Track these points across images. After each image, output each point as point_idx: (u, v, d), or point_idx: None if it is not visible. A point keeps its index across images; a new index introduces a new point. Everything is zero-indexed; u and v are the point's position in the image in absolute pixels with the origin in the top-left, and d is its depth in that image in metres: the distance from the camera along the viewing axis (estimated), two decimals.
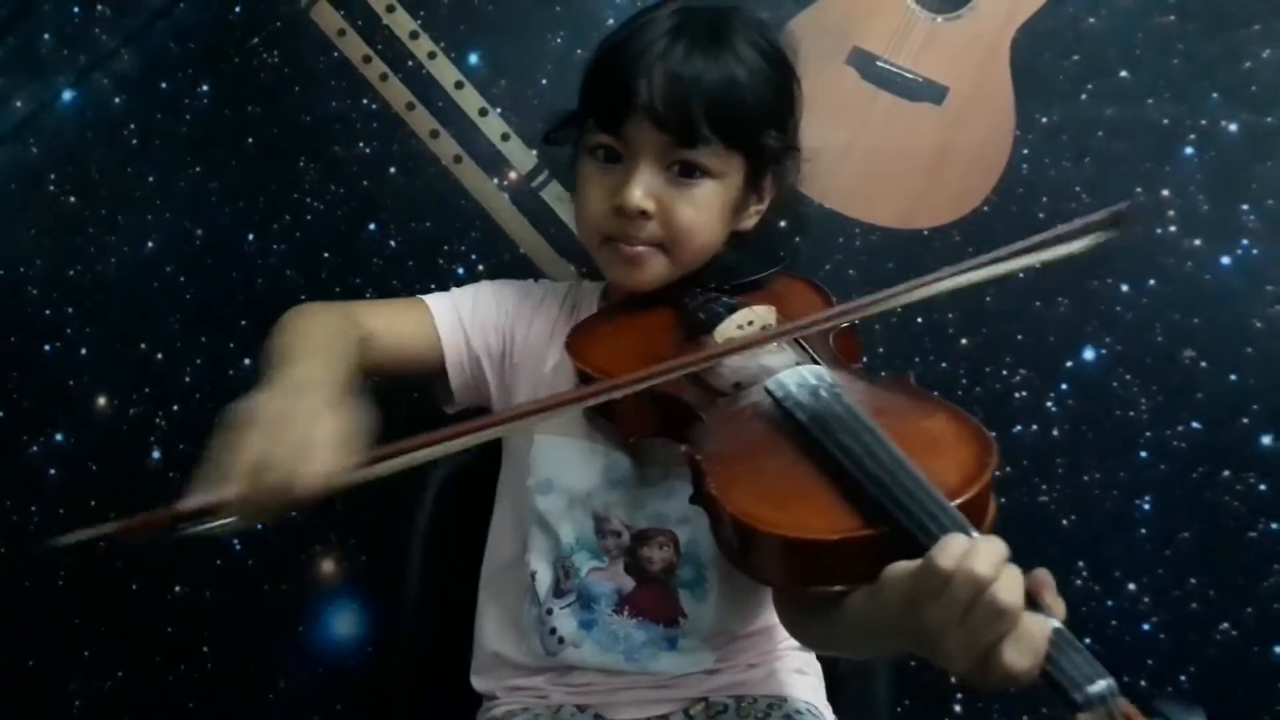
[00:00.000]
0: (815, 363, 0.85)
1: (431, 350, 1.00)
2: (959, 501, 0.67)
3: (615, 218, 0.92)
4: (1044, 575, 0.64)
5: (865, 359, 1.20)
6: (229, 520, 0.69)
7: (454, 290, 1.04)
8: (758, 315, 0.90)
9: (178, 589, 1.28)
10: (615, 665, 0.94)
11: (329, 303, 0.97)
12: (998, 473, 0.71)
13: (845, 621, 0.70)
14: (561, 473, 0.95)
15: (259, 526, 0.70)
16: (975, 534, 0.64)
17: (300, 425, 0.70)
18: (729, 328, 0.89)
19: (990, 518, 0.71)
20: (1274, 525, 1.18)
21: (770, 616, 0.95)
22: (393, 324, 0.98)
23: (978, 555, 0.61)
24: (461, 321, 1.00)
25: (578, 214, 0.98)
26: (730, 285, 0.97)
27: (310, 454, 0.69)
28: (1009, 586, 0.61)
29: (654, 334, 0.94)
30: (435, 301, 1.01)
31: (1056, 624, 0.61)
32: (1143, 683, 1.19)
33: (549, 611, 0.95)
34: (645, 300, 0.97)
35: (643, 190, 0.91)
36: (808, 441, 0.75)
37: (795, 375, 0.81)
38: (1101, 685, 0.58)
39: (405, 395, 1.14)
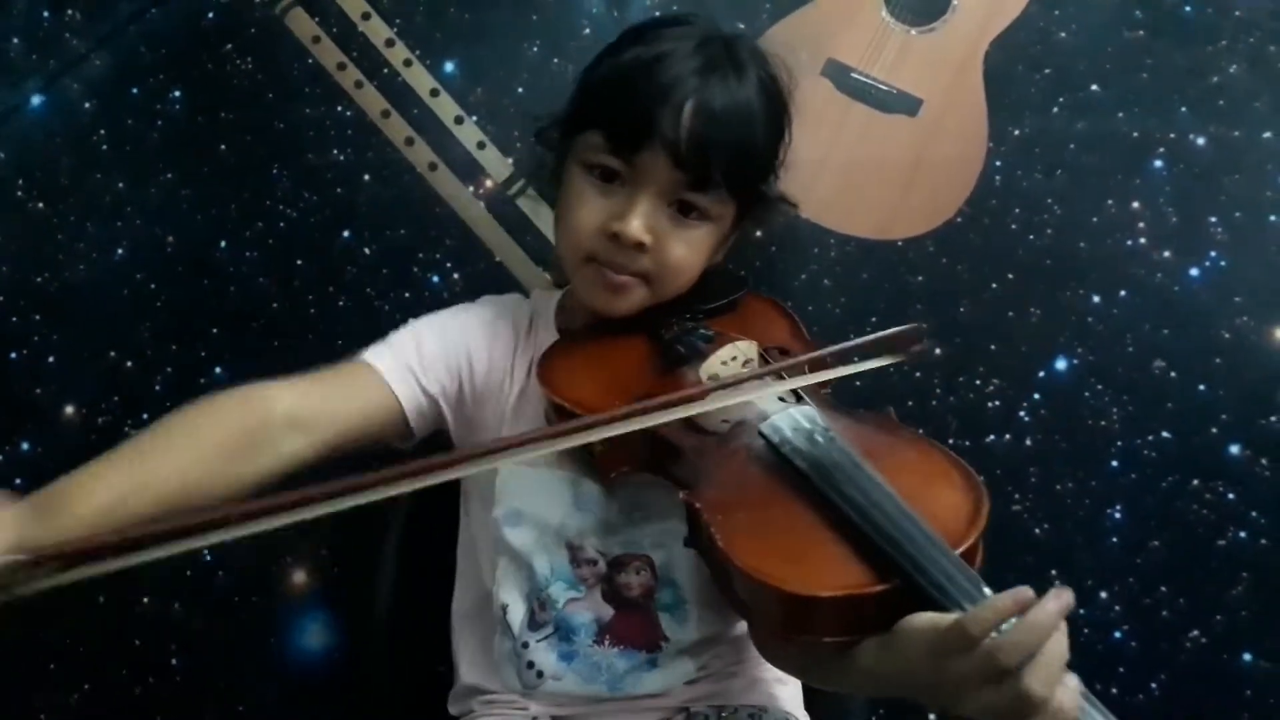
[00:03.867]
0: (801, 400, 0.85)
1: (388, 409, 0.93)
2: (961, 549, 0.68)
3: (606, 241, 0.90)
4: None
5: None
6: None
7: (391, 337, 0.96)
8: (740, 350, 0.89)
9: (145, 601, 1.26)
10: (598, 694, 0.92)
11: (245, 395, 0.86)
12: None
13: (855, 666, 0.69)
14: (530, 503, 0.92)
15: None
16: (988, 589, 0.65)
17: None
18: (714, 364, 0.88)
19: (980, 556, 0.72)
20: (1242, 534, 1.20)
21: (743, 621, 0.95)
22: (330, 399, 0.90)
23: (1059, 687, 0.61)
24: (410, 367, 0.94)
25: (562, 227, 0.95)
26: (702, 310, 0.96)
27: None
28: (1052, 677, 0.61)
29: (631, 365, 0.92)
30: (377, 358, 0.94)
31: (1081, 687, 0.62)
32: (1114, 690, 1.20)
33: (525, 645, 0.92)
34: (616, 326, 0.95)
35: (643, 222, 0.89)
36: (808, 490, 0.74)
37: (789, 419, 0.80)
38: None
39: None
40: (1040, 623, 0.60)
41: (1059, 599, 0.61)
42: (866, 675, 0.69)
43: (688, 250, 0.92)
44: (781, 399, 0.85)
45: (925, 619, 0.64)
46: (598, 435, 0.77)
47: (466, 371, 0.98)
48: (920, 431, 0.85)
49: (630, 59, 0.91)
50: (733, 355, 0.89)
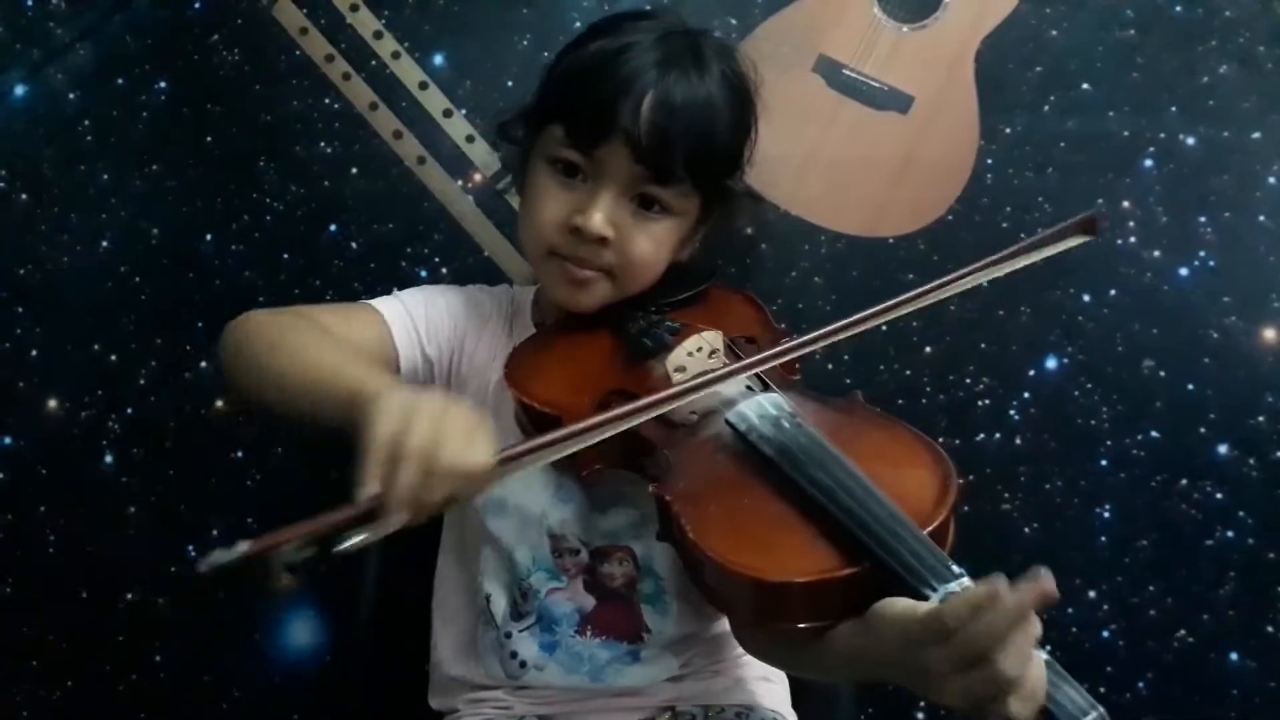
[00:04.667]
0: (767, 387, 0.85)
1: (385, 357, 0.95)
2: (930, 529, 0.68)
3: (569, 236, 0.90)
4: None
5: (830, 366, 1.21)
6: (389, 521, 0.67)
7: (401, 294, 1.00)
8: (706, 340, 0.89)
9: (129, 596, 1.25)
10: (580, 685, 0.93)
11: (288, 311, 0.92)
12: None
13: (831, 651, 0.69)
14: (513, 492, 0.92)
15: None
16: (956, 568, 0.64)
17: (458, 412, 0.69)
18: (680, 355, 0.88)
19: (951, 533, 0.72)
20: (1230, 533, 1.20)
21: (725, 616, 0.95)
22: (348, 332, 0.93)
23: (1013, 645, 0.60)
24: (415, 326, 0.97)
25: (525, 222, 0.95)
26: (667, 303, 0.96)
27: (476, 438, 0.69)
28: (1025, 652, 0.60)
29: (598, 360, 0.92)
30: (386, 306, 0.97)
31: (1046, 657, 0.61)
32: (1102, 689, 1.20)
33: (508, 635, 0.93)
34: (582, 321, 0.95)
35: (605, 216, 0.89)
36: (776, 476, 0.74)
37: (755, 406, 0.80)
38: (1093, 716, 0.59)
39: None
40: (1012, 610, 0.60)
41: (1035, 587, 0.60)
42: (842, 661, 0.69)
43: (651, 244, 0.92)
44: (749, 387, 0.84)
45: (900, 606, 0.64)
46: (569, 450, 0.76)
47: (459, 348, 0.99)
48: (880, 410, 0.85)
49: (591, 52, 0.91)
50: (698, 346, 0.89)
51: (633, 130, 0.86)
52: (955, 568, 0.65)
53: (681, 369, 0.87)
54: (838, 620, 0.68)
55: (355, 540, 0.68)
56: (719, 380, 0.80)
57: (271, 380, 0.85)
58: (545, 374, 0.90)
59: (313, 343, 0.86)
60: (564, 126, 0.90)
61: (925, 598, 0.64)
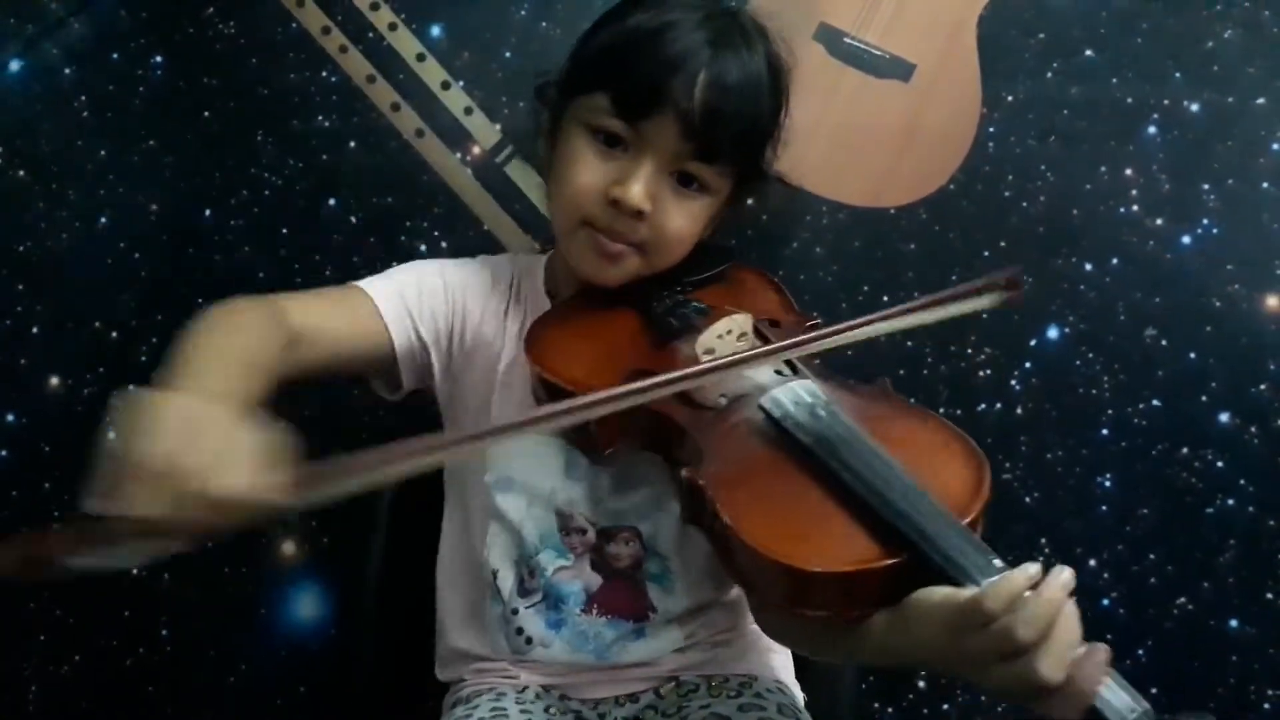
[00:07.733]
0: (797, 372, 0.84)
1: (378, 342, 0.92)
2: (967, 521, 0.68)
3: (606, 207, 0.88)
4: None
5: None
6: (128, 545, 0.60)
7: (393, 272, 0.97)
8: (736, 323, 0.88)
9: (135, 572, 1.26)
10: (586, 662, 0.93)
11: (256, 300, 0.85)
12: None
13: (862, 638, 0.69)
14: (522, 470, 0.92)
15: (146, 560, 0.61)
16: (997, 561, 0.64)
17: (215, 433, 0.63)
18: (709, 338, 0.87)
19: (982, 526, 0.71)
20: (1230, 501, 1.20)
21: (733, 589, 0.95)
22: (330, 318, 0.90)
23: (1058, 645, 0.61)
24: (407, 307, 0.94)
25: (558, 188, 0.92)
26: (690, 281, 0.95)
27: (228, 464, 0.61)
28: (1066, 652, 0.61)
29: (622, 340, 0.90)
30: (375, 287, 0.93)
31: (1105, 657, 0.62)
32: None
33: (514, 611, 0.93)
34: (604, 297, 0.93)
35: (645, 189, 0.87)
36: (812, 464, 0.73)
37: (789, 393, 0.79)
38: (1139, 710, 0.60)
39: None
40: (1052, 598, 0.60)
41: (1062, 575, 0.62)
42: (876, 647, 0.69)
43: (686, 221, 0.90)
44: (779, 372, 0.84)
45: (940, 594, 0.64)
46: (598, 413, 0.75)
47: (460, 323, 0.97)
48: (912, 401, 0.85)
49: (636, 25, 0.89)
50: (728, 329, 0.88)
51: (686, 106, 0.85)
52: (997, 560, 0.64)
53: (711, 351, 0.86)
54: (872, 610, 0.68)
55: (97, 559, 0.60)
56: (750, 360, 0.80)
57: None
58: (567, 350, 0.88)
59: (221, 334, 0.80)
60: (610, 96, 0.88)
61: None
